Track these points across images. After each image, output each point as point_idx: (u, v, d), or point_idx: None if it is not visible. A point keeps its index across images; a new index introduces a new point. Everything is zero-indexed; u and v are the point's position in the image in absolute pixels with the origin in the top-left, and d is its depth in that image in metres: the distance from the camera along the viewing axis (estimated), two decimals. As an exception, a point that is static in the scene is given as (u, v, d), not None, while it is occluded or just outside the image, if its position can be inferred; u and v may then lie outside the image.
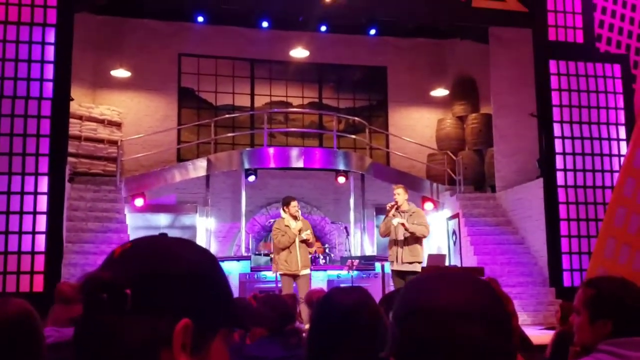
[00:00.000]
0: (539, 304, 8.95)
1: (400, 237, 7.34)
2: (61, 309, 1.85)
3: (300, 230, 7.57)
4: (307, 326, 4.57)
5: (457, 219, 10.93)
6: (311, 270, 8.79)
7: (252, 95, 13.01)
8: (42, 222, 7.34)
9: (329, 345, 1.67)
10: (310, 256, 8.01)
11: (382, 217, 12.35)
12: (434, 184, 11.81)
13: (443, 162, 12.17)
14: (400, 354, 0.90)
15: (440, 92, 13.23)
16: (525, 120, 10.18)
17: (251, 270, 9.38)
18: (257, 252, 10.95)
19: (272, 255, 8.14)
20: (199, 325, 0.83)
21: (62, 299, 2.43)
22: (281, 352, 2.56)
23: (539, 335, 6.00)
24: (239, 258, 9.79)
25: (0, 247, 7.15)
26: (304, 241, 7.55)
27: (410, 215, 7.44)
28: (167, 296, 0.82)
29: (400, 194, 7.59)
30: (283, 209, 7.80)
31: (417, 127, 13.20)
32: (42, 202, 7.37)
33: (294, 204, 7.71)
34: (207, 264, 0.88)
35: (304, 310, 6.05)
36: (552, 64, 9.28)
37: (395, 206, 7.52)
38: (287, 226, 7.55)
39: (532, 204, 9.87)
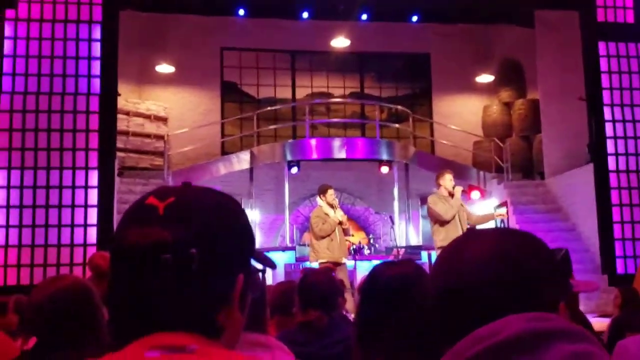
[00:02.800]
0: (592, 292, 8.71)
1: (465, 227, 7.29)
2: (95, 283, 1.87)
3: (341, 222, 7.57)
4: (352, 315, 4.57)
5: (505, 207, 10.73)
6: (354, 260, 8.79)
7: (294, 87, 13.02)
8: (93, 215, 7.50)
9: (378, 320, 1.64)
10: (349, 244, 8.01)
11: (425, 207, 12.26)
12: (481, 172, 11.62)
13: (490, 150, 11.95)
14: (439, 320, 0.88)
15: (485, 78, 12.98)
16: (573, 104, 9.91)
17: (296, 261, 9.42)
18: (301, 243, 10.99)
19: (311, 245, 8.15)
20: (246, 277, 0.83)
21: (97, 273, 2.46)
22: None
23: (593, 323, 5.84)
24: (283, 249, 9.84)
25: (54, 240, 7.33)
26: (340, 225, 7.55)
27: (461, 205, 7.40)
28: (226, 254, 0.81)
29: (447, 179, 7.52)
30: (320, 197, 7.76)
31: (462, 114, 12.99)
32: (93, 196, 7.53)
33: (330, 191, 7.70)
34: (245, 213, 0.88)
35: (349, 299, 6.04)
36: (601, 46, 8.98)
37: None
38: (327, 214, 7.54)
39: (582, 190, 9.61)
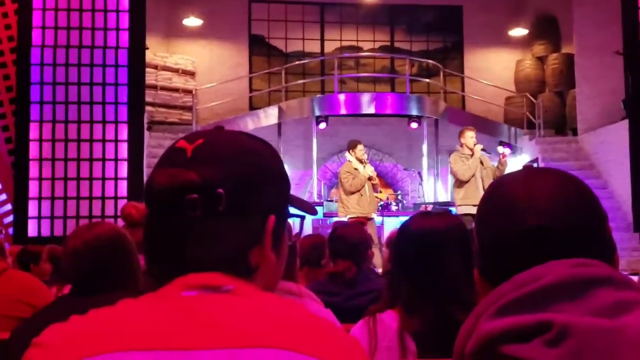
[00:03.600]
0: (622, 250, 8.62)
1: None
2: (129, 232, 1.88)
3: (370, 177, 7.56)
4: (380, 270, 4.59)
5: (536, 164, 10.58)
6: (382, 216, 8.79)
7: (322, 40, 12.85)
8: (123, 169, 7.59)
9: (413, 269, 1.62)
10: (378, 200, 8.01)
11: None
12: (512, 128, 11.44)
13: (522, 105, 11.73)
14: (481, 261, 0.86)
15: (518, 31, 12.64)
16: (609, 59, 9.62)
17: (324, 216, 9.45)
18: (329, 199, 11.01)
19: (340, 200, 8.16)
20: (279, 219, 0.83)
21: (129, 223, 2.50)
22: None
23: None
24: (311, 204, 9.88)
25: (85, 193, 7.47)
26: (370, 180, 7.54)
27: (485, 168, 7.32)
28: (256, 196, 0.81)
29: (469, 135, 7.43)
30: (349, 152, 7.74)
31: (494, 69, 12.71)
32: (123, 150, 7.61)
33: (360, 147, 7.67)
34: (279, 157, 0.87)
35: (377, 254, 6.07)
36: (642, -3, 8.65)
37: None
38: (356, 169, 7.52)
39: (616, 147, 9.41)
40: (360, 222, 4.89)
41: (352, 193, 7.53)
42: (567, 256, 0.79)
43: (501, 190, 0.87)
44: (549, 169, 0.91)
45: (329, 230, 3.32)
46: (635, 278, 5.05)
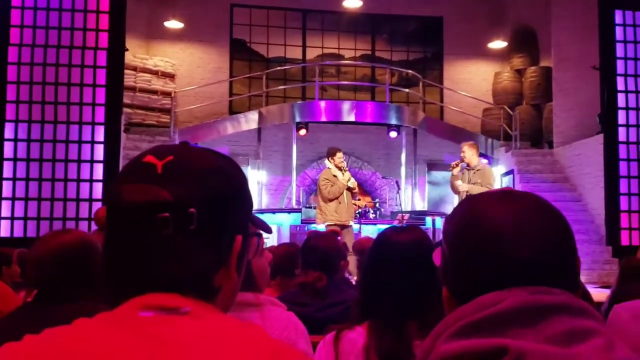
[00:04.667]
0: (594, 262, 8.74)
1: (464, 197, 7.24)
2: (101, 236, 1.86)
3: (349, 181, 7.61)
4: (354, 278, 4.59)
5: (511, 175, 10.69)
6: (360, 223, 8.82)
7: (304, 47, 12.87)
8: (99, 171, 7.51)
9: (384, 284, 1.63)
10: (356, 208, 8.05)
11: (434, 173, 12.24)
12: (489, 140, 11.55)
13: (499, 117, 11.85)
14: (453, 281, 0.86)
15: (498, 44, 12.78)
16: (586, 73, 9.77)
17: (302, 222, 9.45)
18: (307, 205, 11.01)
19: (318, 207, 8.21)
20: (244, 239, 0.83)
21: (103, 227, 2.47)
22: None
23: (594, 294, 5.86)
24: (289, 210, 9.86)
25: (60, 194, 7.37)
26: (350, 190, 7.59)
27: (475, 172, 7.28)
28: (226, 215, 0.80)
29: (466, 151, 7.43)
30: (328, 160, 7.81)
31: (473, 80, 12.84)
32: (99, 151, 7.53)
33: (339, 154, 7.73)
34: (244, 175, 0.87)
35: (351, 261, 6.07)
36: (618, 14, 8.80)
37: (459, 164, 7.37)
38: (335, 176, 7.57)
39: (591, 161, 9.55)
40: (335, 232, 4.89)
41: (331, 200, 7.57)
42: (538, 284, 0.79)
43: (482, 216, 0.85)
44: (528, 194, 0.91)
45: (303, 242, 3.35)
46: (606, 291, 5.07)
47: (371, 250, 1.78)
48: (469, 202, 0.91)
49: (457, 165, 7.34)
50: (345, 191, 7.56)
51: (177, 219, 0.76)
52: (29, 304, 1.65)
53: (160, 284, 0.76)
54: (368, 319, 1.66)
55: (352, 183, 7.65)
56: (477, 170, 7.27)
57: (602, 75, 8.99)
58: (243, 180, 0.86)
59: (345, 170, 7.73)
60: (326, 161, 7.95)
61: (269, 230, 0.95)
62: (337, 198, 7.54)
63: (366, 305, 1.70)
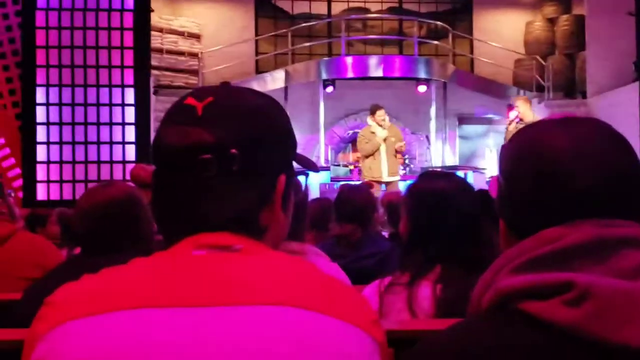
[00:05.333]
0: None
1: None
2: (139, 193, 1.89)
3: (386, 139, 7.64)
4: (383, 232, 4.61)
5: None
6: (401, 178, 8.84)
7: (329, 2, 12.66)
8: (131, 133, 7.60)
9: (425, 232, 1.63)
10: (402, 161, 8.17)
11: (465, 127, 12.09)
12: (521, 91, 11.32)
13: (531, 68, 11.58)
14: (510, 214, 0.83)
15: (529, -8, 12.40)
16: (621, 20, 9.45)
17: (331, 181, 9.47)
18: (336, 163, 11.00)
19: (359, 164, 8.42)
20: (288, 178, 0.83)
21: (139, 184, 2.51)
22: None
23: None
24: (318, 169, 9.87)
25: (94, 157, 7.49)
26: (397, 151, 7.73)
27: None
28: (268, 155, 0.80)
29: (520, 106, 7.42)
30: (370, 116, 7.93)
31: (504, 31, 12.52)
32: (130, 114, 7.60)
33: (379, 112, 7.83)
34: (286, 114, 0.86)
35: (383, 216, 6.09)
36: (656, -45, 8.45)
37: (515, 120, 7.37)
38: (373, 133, 7.66)
39: (626, 110, 9.32)
40: (368, 185, 4.91)
41: (366, 157, 7.68)
42: (603, 216, 0.76)
43: (541, 143, 0.81)
44: (590, 119, 0.85)
45: (336, 195, 3.35)
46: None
47: (408, 197, 1.77)
48: (527, 130, 0.86)
49: (510, 122, 7.36)
50: (383, 148, 7.65)
51: (219, 161, 0.76)
52: (75, 256, 1.69)
53: (209, 224, 0.78)
54: (411, 268, 1.66)
55: (399, 147, 7.71)
56: None
57: (638, 21, 8.70)
58: (285, 120, 0.86)
59: (385, 127, 7.79)
60: (368, 118, 8.03)
61: (315, 169, 0.95)
62: (372, 155, 7.64)
63: (410, 254, 1.70)
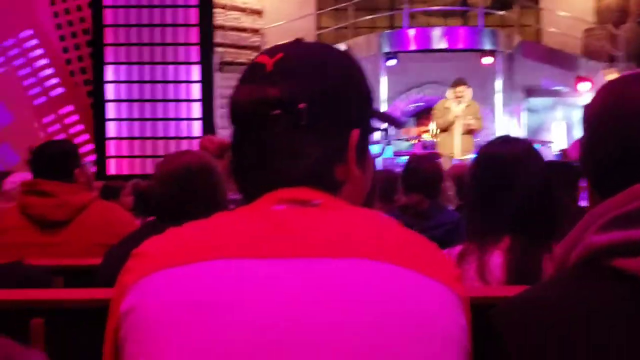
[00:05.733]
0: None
1: None
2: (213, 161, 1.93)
3: (457, 116, 7.54)
4: (451, 205, 4.55)
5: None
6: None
7: (392, -26, 12.45)
8: (196, 109, 7.75)
9: (492, 198, 1.60)
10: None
11: (532, 99, 11.72)
12: (591, 62, 10.88)
13: (602, 37, 11.09)
14: (595, 172, 0.81)
15: (601, -43, 11.84)
16: None
17: (393, 155, 9.41)
18: (397, 138, 10.90)
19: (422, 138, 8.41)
20: (363, 133, 0.82)
21: (212, 153, 2.56)
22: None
23: None
24: (384, 144, 9.83)
25: (161, 133, 7.69)
26: (468, 129, 7.60)
27: None
28: (339, 109, 0.80)
29: None
30: (450, 89, 8.02)
31: (573, -2, 12.03)
32: (195, 90, 7.75)
33: (459, 88, 7.71)
34: (361, 69, 0.85)
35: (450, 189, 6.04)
36: None
37: None
38: (447, 108, 7.55)
39: None
40: (435, 155, 4.87)
41: (441, 131, 7.54)
42: None
43: (623, 102, 0.79)
44: None
45: (398, 170, 3.34)
46: None
47: (475, 162, 1.74)
48: (610, 87, 0.84)
49: None
50: (458, 123, 7.57)
51: (288, 116, 0.76)
52: (150, 222, 1.75)
53: (287, 179, 0.78)
54: (484, 237, 1.64)
55: (469, 124, 7.51)
56: None
57: None
58: (358, 73, 0.84)
59: (462, 103, 7.68)
60: (448, 90, 8.11)
61: (397, 124, 0.94)
62: (445, 129, 7.57)
63: (480, 222, 1.67)
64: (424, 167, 2.62)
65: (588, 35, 11.70)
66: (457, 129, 7.52)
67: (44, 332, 1.30)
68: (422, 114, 11.56)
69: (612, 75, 7.21)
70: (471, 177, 1.71)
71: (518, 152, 1.61)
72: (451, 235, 2.46)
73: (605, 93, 0.83)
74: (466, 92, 7.70)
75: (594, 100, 0.84)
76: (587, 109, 0.85)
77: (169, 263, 0.73)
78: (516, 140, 1.74)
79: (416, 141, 10.07)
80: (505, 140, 1.73)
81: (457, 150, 7.54)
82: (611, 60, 10.77)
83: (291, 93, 0.76)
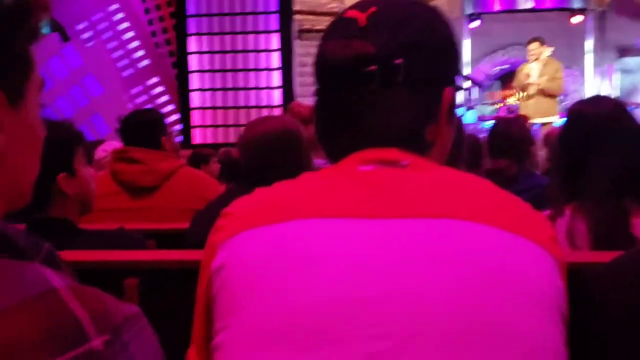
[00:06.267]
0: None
1: None
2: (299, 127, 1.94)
3: (529, 77, 7.22)
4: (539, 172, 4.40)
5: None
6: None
7: None
8: (276, 78, 7.80)
9: (581, 161, 1.52)
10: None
11: (626, 59, 11.08)
12: (693, 17, 10.14)
13: None
14: None
15: None
16: None
17: (478, 120, 9.18)
18: (482, 102, 10.60)
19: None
20: (454, 91, 0.80)
21: (300, 120, 2.58)
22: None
23: None
24: (465, 107, 9.60)
25: (241, 102, 7.81)
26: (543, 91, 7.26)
27: None
28: (434, 66, 0.78)
29: None
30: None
31: (675, -52, 11.19)
32: (275, 59, 7.79)
33: (532, 46, 7.35)
34: (451, 25, 0.83)
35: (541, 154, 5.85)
36: None
37: None
38: (527, 74, 7.29)
39: None
40: (522, 117, 4.70)
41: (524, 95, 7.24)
42: None
43: None
44: None
45: (483, 135, 3.24)
46: None
47: (567, 125, 1.65)
48: None
49: None
50: (532, 87, 7.25)
51: (383, 72, 0.74)
52: (235, 185, 1.78)
53: (374, 139, 0.76)
54: (572, 201, 1.57)
55: (538, 84, 7.15)
56: None
57: None
58: (450, 30, 0.82)
59: (536, 62, 7.32)
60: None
61: (481, 86, 0.91)
62: (523, 90, 7.31)
63: (569, 186, 1.60)
64: (511, 131, 2.53)
65: (690, -12, 10.89)
66: (532, 92, 7.19)
67: (137, 291, 1.35)
68: (507, 77, 11.18)
69: None
70: (558, 140, 1.63)
71: (609, 111, 1.51)
72: (539, 200, 2.37)
73: None
74: (540, 50, 7.30)
75: None
76: None
77: (258, 222, 0.73)
78: (607, 99, 1.64)
79: (501, 105, 9.77)
80: (595, 99, 1.63)
81: (534, 114, 7.15)
82: None
83: (387, 49, 0.74)
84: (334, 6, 11.23)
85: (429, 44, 0.77)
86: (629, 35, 10.59)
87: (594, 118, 1.53)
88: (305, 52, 10.01)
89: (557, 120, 7.23)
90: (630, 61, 11.09)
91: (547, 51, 7.37)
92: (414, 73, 0.75)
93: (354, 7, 0.80)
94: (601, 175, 1.50)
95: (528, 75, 7.22)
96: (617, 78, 11.05)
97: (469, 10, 9.87)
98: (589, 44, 9.92)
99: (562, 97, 10.24)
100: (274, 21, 7.72)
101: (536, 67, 7.24)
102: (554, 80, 7.26)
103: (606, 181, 1.50)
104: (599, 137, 1.53)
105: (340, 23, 0.80)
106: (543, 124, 7.21)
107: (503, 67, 10.85)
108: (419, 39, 0.77)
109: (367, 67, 0.74)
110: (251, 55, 7.78)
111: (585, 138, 1.54)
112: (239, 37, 7.75)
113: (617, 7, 10.05)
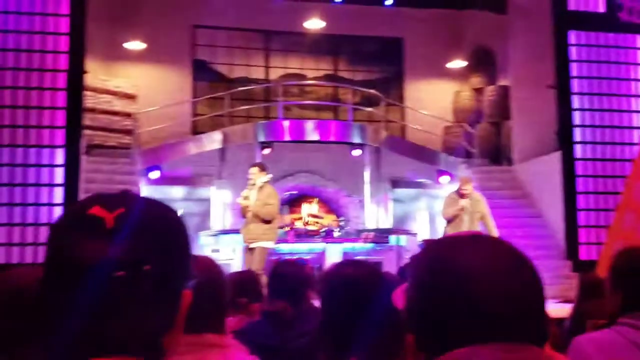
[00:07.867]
0: (555, 277, 8.90)
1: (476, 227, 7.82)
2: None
3: (245, 198, 7.22)
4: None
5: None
6: (326, 242, 8.84)
7: (267, 67, 12.90)
8: (59, 194, 7.37)
9: (339, 320, 1.63)
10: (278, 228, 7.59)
11: (398, 190, 12.34)
12: (450, 157, 11.72)
13: (459, 135, 12.05)
14: (420, 329, 0.83)
15: (457, 63, 13.04)
16: (543, 92, 10.03)
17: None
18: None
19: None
20: (189, 293, 0.80)
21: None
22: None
23: (556, 309, 5.98)
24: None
25: (18, 219, 7.20)
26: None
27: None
28: (178, 271, 0.78)
29: (467, 187, 8.19)
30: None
31: (434, 99, 13.05)
32: (59, 175, 7.39)
33: (251, 170, 7.37)
34: (186, 224, 0.82)
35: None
36: (572, 35, 9.06)
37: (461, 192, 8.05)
38: (242, 194, 7.42)
39: (550, 177, 9.76)
40: (302, 259, 4.82)
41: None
42: (509, 339, 0.78)
43: (455, 265, 0.82)
44: (500, 243, 0.88)
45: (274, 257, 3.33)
46: (567, 306, 5.13)
47: (322, 284, 1.78)
48: (438, 248, 0.88)
49: (463, 194, 8.14)
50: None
51: (132, 278, 0.72)
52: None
53: (110, 345, 0.72)
54: (337, 350, 1.66)
55: (250, 208, 7.12)
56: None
57: (558, 94, 9.22)
58: (186, 229, 0.82)
59: (256, 189, 7.19)
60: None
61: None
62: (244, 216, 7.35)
63: (325, 341, 1.69)
64: (288, 273, 2.63)
65: (447, 132, 12.66)
66: (249, 216, 7.13)
67: None
68: (296, 202, 11.79)
69: (466, 172, 8.02)
70: (321, 298, 1.74)
71: (366, 275, 1.66)
72: (316, 344, 2.47)
73: (432, 252, 0.88)
74: (257, 175, 7.20)
75: (421, 256, 0.88)
76: (415, 264, 0.88)
77: None
78: (358, 263, 1.80)
79: (289, 229, 10.18)
80: (348, 263, 1.79)
81: (255, 238, 7.06)
82: (468, 156, 11.66)
83: (135, 254, 0.73)
84: (128, 124, 11.16)
85: (173, 249, 0.78)
86: (400, 169, 11.89)
87: (352, 281, 1.66)
88: (94, 168, 9.69)
89: (273, 246, 7.25)
90: (402, 192, 12.38)
91: (265, 177, 7.44)
92: (161, 279, 0.74)
93: (97, 203, 0.76)
94: (362, 335, 1.61)
95: (245, 198, 7.30)
96: (391, 207, 12.21)
97: (262, 138, 10.40)
98: (367, 175, 10.90)
99: (344, 223, 11.02)
100: (59, 136, 7.39)
101: (254, 192, 7.43)
102: (266, 206, 7.11)
103: (366, 340, 1.61)
104: (351, 300, 1.63)
105: (87, 220, 0.75)
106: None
107: (292, 192, 11.45)
108: (165, 244, 0.76)
109: (116, 272, 0.71)
110: (32, 170, 7.31)
111: (339, 299, 1.65)
112: (20, 150, 7.28)
113: (390, 144, 11.30)
